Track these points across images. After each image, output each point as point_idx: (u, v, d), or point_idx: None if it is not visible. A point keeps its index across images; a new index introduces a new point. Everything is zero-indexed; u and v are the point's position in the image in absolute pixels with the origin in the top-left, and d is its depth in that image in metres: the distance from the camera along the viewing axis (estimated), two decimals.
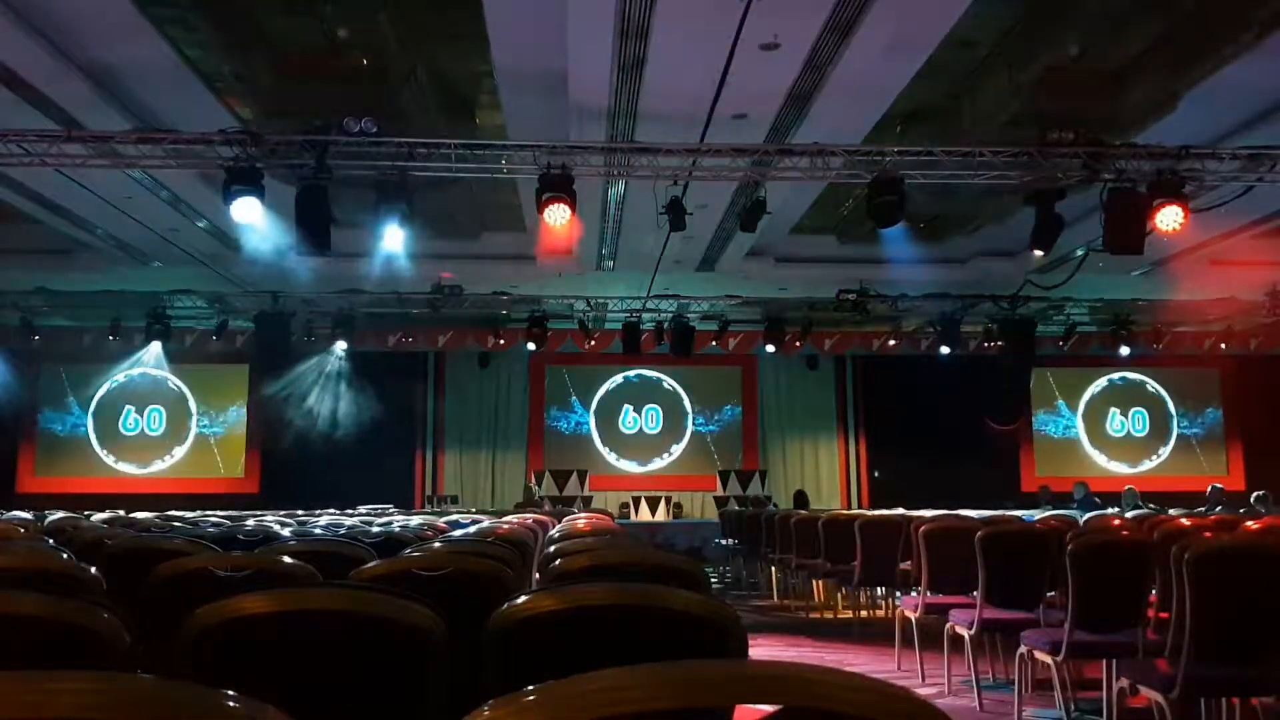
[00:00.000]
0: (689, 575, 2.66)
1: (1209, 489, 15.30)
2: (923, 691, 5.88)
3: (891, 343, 17.87)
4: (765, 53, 7.62)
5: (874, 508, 16.18)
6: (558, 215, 8.57)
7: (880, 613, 9.46)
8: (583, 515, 9.41)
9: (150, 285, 14.41)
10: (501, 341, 17.05)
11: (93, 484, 17.74)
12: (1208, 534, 4.51)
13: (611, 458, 19.06)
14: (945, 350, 16.25)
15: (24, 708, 0.95)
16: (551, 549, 3.64)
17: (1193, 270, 13.28)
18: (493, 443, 18.99)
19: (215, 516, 9.38)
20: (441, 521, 6.94)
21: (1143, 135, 8.94)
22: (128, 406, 18.64)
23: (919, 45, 7.87)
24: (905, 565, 7.57)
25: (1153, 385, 19.79)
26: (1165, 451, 19.66)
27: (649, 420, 19.24)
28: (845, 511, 13.63)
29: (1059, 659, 4.72)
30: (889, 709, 0.98)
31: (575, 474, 16.75)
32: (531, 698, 0.97)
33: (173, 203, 11.24)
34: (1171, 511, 9.27)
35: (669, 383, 19.29)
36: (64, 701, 0.95)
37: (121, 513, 8.92)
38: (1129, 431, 19.76)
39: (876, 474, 19.18)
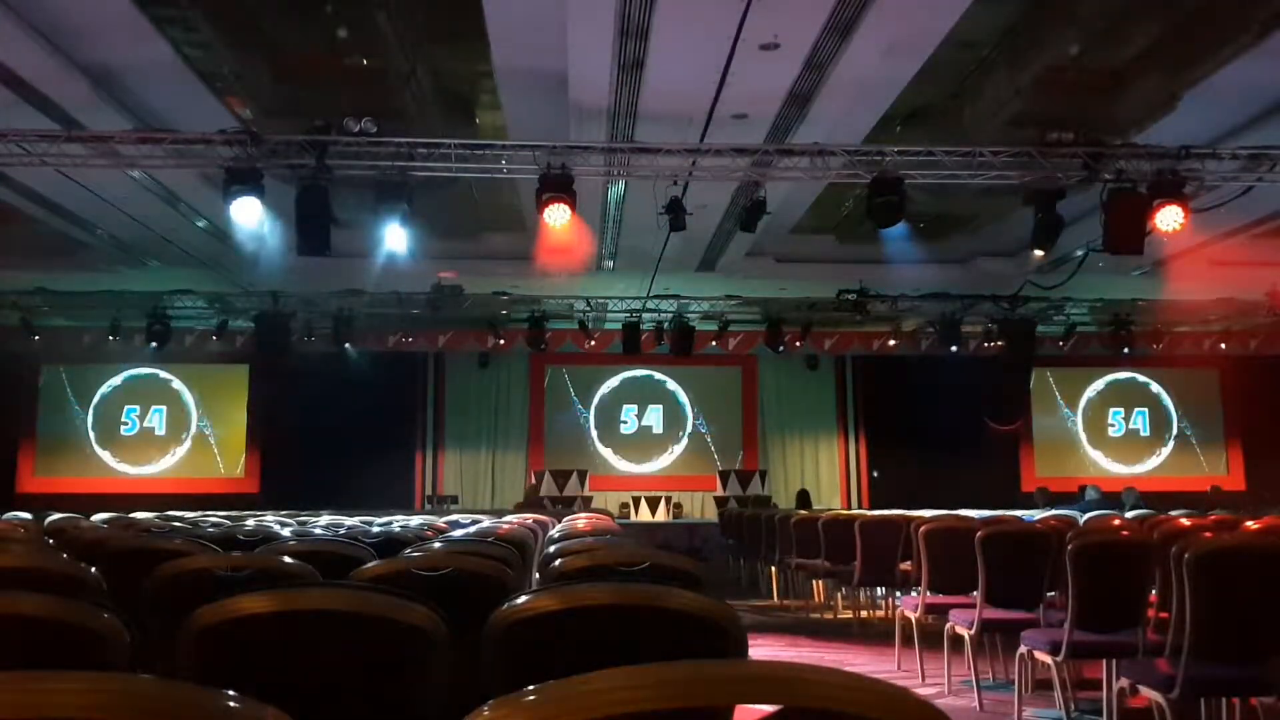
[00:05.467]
0: (689, 575, 2.66)
1: (1209, 489, 15.30)
2: (923, 691, 5.88)
3: (891, 343, 17.87)
4: (765, 53, 7.62)
5: (874, 508, 16.17)
6: (558, 215, 8.57)
7: (880, 613, 9.45)
8: (583, 515, 9.41)
9: (150, 285, 14.41)
10: (501, 341, 17.06)
11: (93, 484, 17.72)
12: (1208, 534, 4.51)
13: (611, 458, 19.04)
14: (946, 350, 16.24)
15: (24, 708, 0.95)
16: (551, 549, 3.64)
17: (1193, 270, 13.27)
18: (493, 443, 18.97)
19: (215, 516, 9.39)
20: (441, 521, 6.94)
21: (1143, 135, 8.94)
22: (128, 406, 18.62)
23: (919, 45, 7.86)
24: (905, 565, 7.57)
25: (1153, 385, 19.77)
26: (1165, 451, 19.63)
27: (649, 420, 19.23)
28: (845, 511, 13.62)
29: (1059, 659, 4.72)
30: (889, 709, 0.98)
31: (575, 474, 16.73)
32: (531, 698, 0.97)
33: (173, 203, 11.23)
34: (1172, 512, 9.26)
35: (669, 383, 19.28)
36: (64, 701, 0.95)
37: (121, 513, 8.92)
38: (1129, 431, 19.76)
39: (876, 474, 19.17)
